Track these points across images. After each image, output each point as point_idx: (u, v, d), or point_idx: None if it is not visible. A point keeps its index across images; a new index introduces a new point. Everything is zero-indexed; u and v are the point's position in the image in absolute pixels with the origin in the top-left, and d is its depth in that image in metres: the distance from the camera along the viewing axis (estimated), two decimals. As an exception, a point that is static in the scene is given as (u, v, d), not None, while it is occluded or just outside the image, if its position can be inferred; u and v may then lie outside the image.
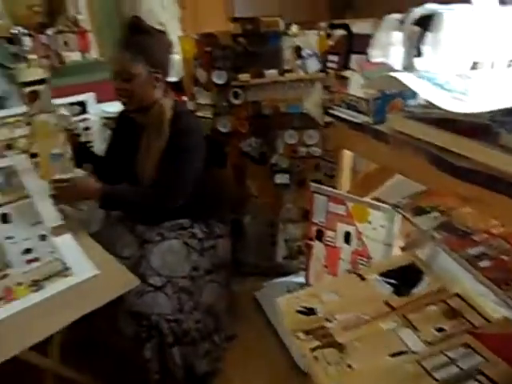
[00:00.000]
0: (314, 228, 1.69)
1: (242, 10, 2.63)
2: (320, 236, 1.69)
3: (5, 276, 1.10)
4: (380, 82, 1.13)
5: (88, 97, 2.06)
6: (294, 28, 1.53)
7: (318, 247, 1.71)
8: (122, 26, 1.32)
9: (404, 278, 1.05)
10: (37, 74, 1.23)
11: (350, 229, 1.54)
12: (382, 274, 1.07)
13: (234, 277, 1.72)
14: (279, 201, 1.81)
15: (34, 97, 1.23)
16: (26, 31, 2.12)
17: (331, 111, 1.48)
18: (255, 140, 1.69)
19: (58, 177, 1.20)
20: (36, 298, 0.99)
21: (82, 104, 2.04)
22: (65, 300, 0.97)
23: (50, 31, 2.18)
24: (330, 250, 1.66)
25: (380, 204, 1.43)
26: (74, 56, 2.26)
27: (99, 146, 1.83)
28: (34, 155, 1.75)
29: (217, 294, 1.42)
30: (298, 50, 1.55)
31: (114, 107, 2.04)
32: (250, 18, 1.55)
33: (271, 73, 1.58)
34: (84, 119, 1.96)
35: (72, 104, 2.03)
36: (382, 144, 1.21)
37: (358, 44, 2.14)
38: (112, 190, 1.29)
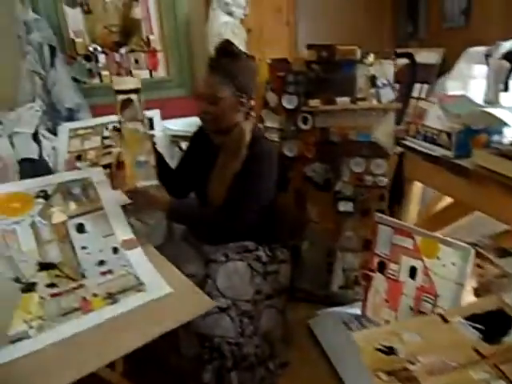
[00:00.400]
0: (376, 259, 1.64)
1: (306, 37, 2.65)
2: (382, 268, 1.63)
3: (81, 286, 1.12)
4: (470, 116, 1.09)
5: (154, 113, 2.12)
6: (371, 57, 1.52)
7: (378, 279, 1.65)
8: (213, 49, 1.35)
9: (492, 323, 0.98)
10: (132, 82, 1.28)
11: (416, 263, 1.48)
12: (467, 318, 1.01)
13: (288, 302, 1.69)
14: (339, 228, 1.77)
15: (126, 105, 1.26)
16: (101, 49, 2.25)
17: (405, 142, 1.45)
18: (320, 166, 1.68)
19: (141, 183, 1.25)
20: (112, 311, 1.00)
21: (148, 120, 2.11)
22: (140, 317, 0.97)
23: (123, 50, 2.29)
24: (392, 284, 1.59)
25: (453, 240, 1.37)
26: (142, 74, 2.36)
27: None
28: (105, 166, 1.83)
29: (274, 320, 1.40)
30: (372, 79, 1.54)
31: (178, 125, 2.11)
32: (326, 45, 1.55)
33: (343, 100, 1.57)
34: (151, 135, 2.01)
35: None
36: (461, 179, 1.16)
37: (421, 73, 2.11)
38: (181, 203, 1.34)
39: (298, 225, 1.79)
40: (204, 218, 1.34)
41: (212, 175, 1.36)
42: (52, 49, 2.07)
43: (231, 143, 1.31)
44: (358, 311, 1.80)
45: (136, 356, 1.29)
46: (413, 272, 1.50)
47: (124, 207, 1.38)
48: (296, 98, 1.63)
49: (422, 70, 2.08)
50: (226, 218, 1.31)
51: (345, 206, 1.70)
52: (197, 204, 1.37)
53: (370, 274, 1.66)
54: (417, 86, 2.09)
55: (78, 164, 1.89)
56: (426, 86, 2.04)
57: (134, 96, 1.27)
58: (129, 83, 1.27)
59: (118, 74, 2.30)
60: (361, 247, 1.77)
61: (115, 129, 1.35)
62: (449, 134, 1.22)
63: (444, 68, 1.96)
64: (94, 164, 1.89)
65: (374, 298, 1.69)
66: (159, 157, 1.51)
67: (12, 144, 1.70)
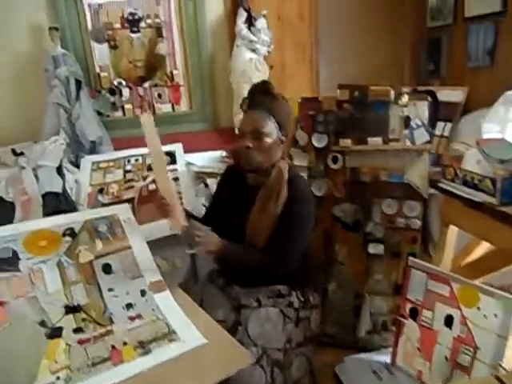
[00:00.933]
0: (408, 305, 1.57)
1: (327, 74, 2.68)
2: (414, 314, 1.55)
3: (109, 332, 1.06)
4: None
5: (176, 147, 2.12)
6: (405, 98, 1.51)
7: (410, 326, 1.57)
8: (251, 88, 1.38)
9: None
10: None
11: (453, 312, 1.40)
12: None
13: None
14: (368, 271, 1.71)
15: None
16: (125, 83, 2.27)
17: (441, 185, 1.42)
18: (350, 206, 1.64)
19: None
20: (145, 363, 0.94)
21: (170, 154, 2.10)
22: (176, 371, 0.91)
23: (146, 84, 2.32)
24: (426, 332, 1.51)
25: (495, 290, 1.30)
26: (164, 108, 2.37)
27: (189, 198, 1.84)
28: (127, 201, 1.80)
29: (304, 369, 1.33)
30: (406, 120, 1.52)
31: (199, 159, 2.10)
32: (358, 85, 1.55)
33: (375, 140, 1.55)
34: (173, 170, 1.99)
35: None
36: (507, 227, 1.12)
37: (444, 111, 2.10)
38: (233, 246, 1.26)
39: (324, 266, 1.73)
40: (254, 262, 1.27)
41: (250, 217, 1.31)
42: (78, 82, 2.09)
43: (272, 183, 1.28)
44: (386, 359, 1.70)
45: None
46: (449, 321, 1.42)
47: (149, 244, 1.34)
48: (326, 137, 1.62)
49: (444, 108, 2.07)
50: (275, 262, 1.26)
51: (375, 248, 1.64)
52: (247, 248, 1.30)
53: (402, 320, 1.58)
54: (439, 123, 2.07)
55: (100, 197, 1.86)
56: (449, 125, 2.03)
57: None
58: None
59: (141, 107, 2.31)
60: (391, 291, 1.70)
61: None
62: (493, 180, 1.18)
63: (468, 107, 1.95)
64: (115, 198, 1.87)
65: (405, 346, 1.61)
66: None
67: (36, 177, 1.68)
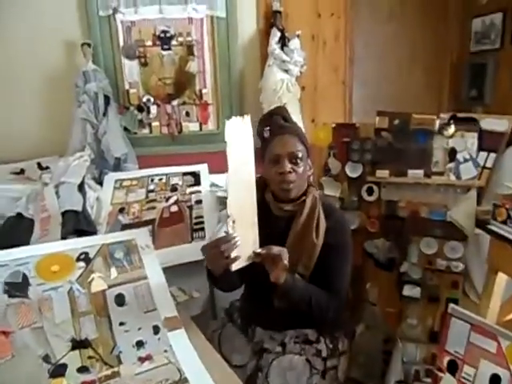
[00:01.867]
0: (447, 357, 1.41)
1: (360, 97, 2.58)
2: (453, 369, 1.39)
3: (115, 375, 0.97)
4: None
5: (201, 168, 2.05)
6: (451, 129, 1.38)
7: (448, 381, 1.41)
8: (266, 115, 1.31)
9: None
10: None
11: (500, 371, 1.25)
12: None
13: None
14: (402, 314, 1.56)
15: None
16: (154, 100, 2.24)
17: (491, 227, 1.27)
18: (384, 242, 1.51)
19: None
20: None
21: (194, 175, 2.03)
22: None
23: (175, 102, 2.27)
24: (466, 391, 1.35)
25: (552, 351, 1.14)
26: (192, 126, 2.32)
27: (209, 223, 1.75)
28: (147, 222, 1.73)
29: None
30: (451, 153, 1.39)
31: (224, 180, 2.01)
32: (400, 112, 1.43)
33: (415, 173, 1.43)
34: (196, 191, 1.92)
35: (186, 174, 2.04)
36: None
37: (487, 141, 1.94)
38: (297, 282, 1.13)
39: (352, 305, 1.59)
40: (318, 298, 1.14)
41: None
42: (106, 98, 2.07)
43: (309, 212, 1.19)
44: (418, 412, 1.55)
45: None
46: (495, 381, 1.26)
47: (166, 271, 1.25)
48: (361, 167, 1.50)
49: (488, 138, 1.92)
50: (334, 303, 1.16)
51: (411, 291, 1.50)
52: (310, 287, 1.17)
53: (439, 373, 1.42)
54: (482, 153, 1.93)
55: (121, 217, 1.80)
56: (492, 155, 1.88)
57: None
58: None
59: (168, 125, 2.27)
60: (426, 338, 1.55)
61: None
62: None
63: (514, 137, 1.81)
64: (136, 218, 1.80)
65: (441, 402, 1.45)
66: None
67: (57, 194, 1.63)
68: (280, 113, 1.26)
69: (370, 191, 1.51)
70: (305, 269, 1.18)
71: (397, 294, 1.55)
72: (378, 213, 1.53)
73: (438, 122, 1.41)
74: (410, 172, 1.44)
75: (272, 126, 1.22)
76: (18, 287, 1.10)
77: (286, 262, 1.05)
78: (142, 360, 1.02)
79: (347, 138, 1.51)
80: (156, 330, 1.11)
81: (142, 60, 2.19)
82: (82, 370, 0.98)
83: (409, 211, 1.49)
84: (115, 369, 0.99)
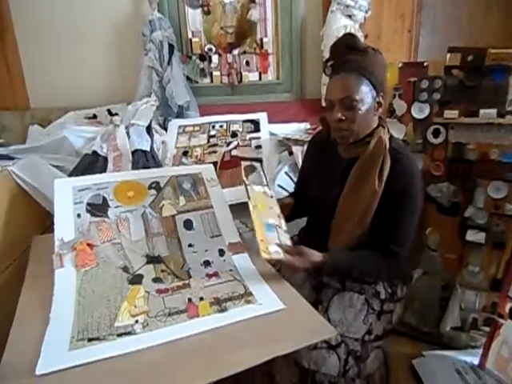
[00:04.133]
0: (509, 304, 1.38)
1: (428, 46, 2.42)
2: (515, 315, 1.37)
3: (186, 286, 1.06)
4: None
5: (261, 116, 2.08)
6: (532, 63, 1.28)
7: (509, 329, 1.39)
8: (333, 45, 1.16)
9: None
10: (254, 153, 1.54)
11: None
12: None
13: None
14: (463, 260, 1.53)
15: (250, 170, 1.27)
16: (215, 50, 2.26)
17: None
18: (448, 186, 1.46)
19: (273, 248, 1.05)
20: (220, 320, 0.91)
21: (253, 122, 2.07)
22: (252, 332, 0.86)
23: (236, 51, 2.28)
24: (529, 337, 1.33)
25: None
26: (251, 76, 2.32)
27: (269, 166, 1.79)
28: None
29: (379, 363, 1.21)
30: (531, 90, 1.30)
31: (283, 130, 2.03)
32: (474, 48, 1.34)
33: (488, 113, 1.35)
34: (256, 137, 1.96)
35: (245, 121, 2.08)
36: None
37: None
38: (336, 260, 1.12)
39: (414, 251, 1.57)
40: (369, 264, 1.13)
41: (344, 194, 1.16)
42: (171, 47, 2.12)
43: (371, 155, 1.10)
44: (473, 360, 1.54)
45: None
46: (561, 327, 1.22)
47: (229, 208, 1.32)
48: (428, 107, 1.44)
49: None
50: (388, 255, 1.12)
51: (474, 236, 1.45)
52: (354, 254, 1.15)
53: (499, 320, 1.40)
54: None
55: (184, 160, 1.89)
56: None
57: (257, 164, 1.29)
58: (252, 153, 1.42)
59: (229, 75, 2.29)
60: (487, 286, 1.51)
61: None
62: None
63: None
64: (199, 161, 1.88)
65: (499, 350, 1.43)
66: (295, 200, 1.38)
67: (128, 135, 1.74)
68: (345, 42, 1.11)
69: (436, 133, 1.45)
70: (358, 225, 1.13)
71: (458, 239, 1.51)
72: (444, 156, 1.47)
73: (517, 57, 1.32)
74: (482, 112, 1.36)
75: (334, 61, 1.13)
76: (98, 208, 1.21)
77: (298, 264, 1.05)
78: (209, 276, 1.10)
79: (414, 77, 1.45)
80: (221, 252, 1.19)
81: (205, 8, 2.20)
82: (156, 280, 1.08)
83: (478, 153, 1.42)
84: (186, 281, 1.08)
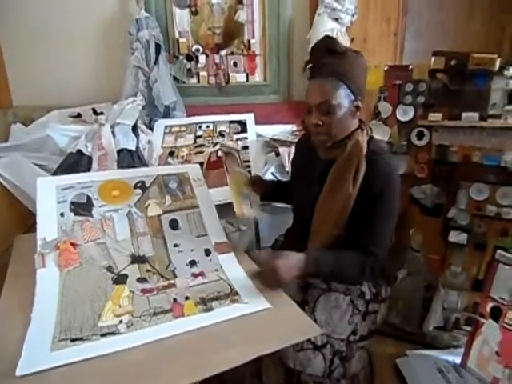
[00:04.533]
0: (490, 304, 1.42)
1: (413, 49, 2.47)
2: (496, 315, 1.40)
3: (171, 285, 1.06)
4: None
5: (248, 117, 2.08)
6: (513, 68, 1.32)
7: (490, 328, 1.42)
8: (312, 48, 1.15)
9: None
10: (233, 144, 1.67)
11: (546, 316, 1.24)
12: None
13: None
14: (445, 261, 1.55)
15: (229, 155, 1.44)
16: (202, 50, 2.26)
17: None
18: (432, 188, 1.48)
19: (246, 212, 1.26)
20: (205, 320, 0.91)
21: (240, 123, 2.07)
22: (237, 332, 0.86)
23: (223, 52, 2.28)
24: (509, 336, 1.36)
25: None
26: (239, 77, 2.32)
27: (256, 166, 1.79)
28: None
29: (363, 363, 1.22)
30: (511, 95, 1.33)
31: (270, 132, 2.03)
32: (457, 52, 1.37)
33: (470, 116, 1.38)
34: (243, 138, 1.96)
35: (232, 122, 2.08)
36: None
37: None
38: (320, 256, 1.11)
39: (394, 250, 1.59)
40: (351, 265, 1.11)
41: (321, 196, 1.17)
42: (157, 46, 2.11)
43: (346, 158, 1.11)
44: (455, 359, 1.57)
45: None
46: (540, 326, 1.25)
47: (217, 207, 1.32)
48: (413, 110, 1.46)
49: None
50: (365, 256, 1.11)
51: (457, 237, 1.48)
52: (334, 255, 1.13)
53: (480, 319, 1.43)
54: None
55: (170, 160, 1.88)
56: None
57: (234, 152, 1.48)
58: (232, 144, 1.62)
59: (216, 75, 2.28)
60: (469, 286, 1.54)
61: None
62: None
63: None
64: (185, 161, 1.87)
65: (480, 348, 1.46)
66: (277, 183, 1.51)
67: (113, 134, 1.72)
68: (324, 44, 1.09)
69: (420, 135, 1.48)
70: (335, 225, 1.14)
71: (441, 240, 1.54)
72: (428, 158, 1.50)
73: (498, 62, 1.34)
74: (465, 115, 1.39)
75: (313, 63, 1.11)
76: (82, 207, 1.20)
77: (278, 275, 1.03)
78: (195, 276, 1.10)
79: (399, 80, 1.47)
80: (207, 252, 1.19)
81: (193, 9, 2.20)
82: (141, 280, 1.07)
83: (460, 156, 1.45)
84: (171, 281, 1.07)
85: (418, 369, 1.55)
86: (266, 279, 1.05)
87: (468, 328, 1.56)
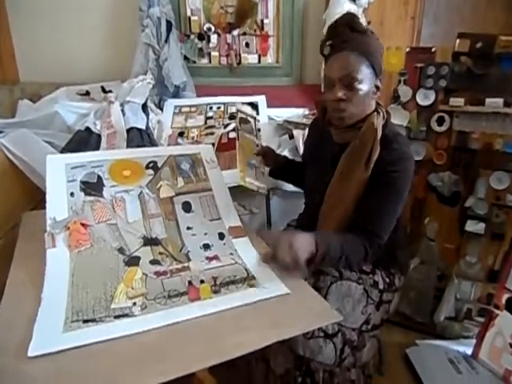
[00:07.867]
0: (505, 295, 1.39)
1: (431, 34, 2.39)
2: (511, 306, 1.38)
3: (185, 268, 1.03)
4: None
5: (260, 99, 2.03)
6: (542, 52, 1.26)
7: (504, 319, 1.40)
8: (332, 25, 1.08)
9: None
10: (251, 111, 1.59)
11: None
12: None
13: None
14: (461, 251, 1.52)
15: (244, 121, 1.45)
16: (214, 29, 2.19)
17: None
18: (450, 175, 1.44)
19: (249, 180, 1.29)
20: (221, 304, 0.88)
21: (252, 105, 2.01)
22: (254, 316, 0.84)
23: (235, 32, 2.21)
24: (524, 328, 1.34)
25: None
26: (250, 58, 2.26)
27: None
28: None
29: (374, 351, 1.21)
30: (539, 80, 1.28)
31: (281, 115, 1.99)
32: (484, 34, 1.32)
33: (494, 102, 1.33)
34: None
35: (244, 103, 2.02)
36: None
37: None
38: (327, 239, 1.03)
39: (411, 240, 1.56)
40: (356, 251, 1.06)
41: (332, 181, 1.13)
42: (169, 24, 2.05)
43: (361, 142, 1.06)
44: (466, 350, 1.55)
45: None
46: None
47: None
48: (434, 94, 1.41)
49: None
50: (368, 240, 1.06)
51: (474, 226, 1.44)
52: (340, 238, 1.06)
53: (495, 310, 1.41)
54: None
55: (180, 140, 1.84)
56: None
57: (251, 119, 1.47)
58: (249, 110, 1.54)
59: (227, 56, 2.23)
60: (483, 277, 1.51)
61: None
62: None
63: None
64: (195, 142, 1.83)
65: (493, 340, 1.44)
66: (289, 161, 1.46)
67: (122, 112, 1.68)
68: (346, 22, 1.04)
69: (440, 121, 1.43)
70: (346, 212, 1.10)
71: (457, 229, 1.51)
72: (447, 144, 1.45)
73: (528, 45, 1.29)
74: (488, 100, 1.34)
75: (334, 40, 1.06)
76: (93, 187, 1.16)
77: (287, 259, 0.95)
78: (209, 259, 1.07)
79: (421, 63, 1.41)
80: (221, 236, 1.15)
81: (206, -15, 2.13)
82: (154, 262, 1.04)
83: (482, 143, 1.40)
84: (185, 264, 1.04)
85: (428, 358, 1.53)
86: (282, 257, 0.96)
87: (480, 319, 1.54)
